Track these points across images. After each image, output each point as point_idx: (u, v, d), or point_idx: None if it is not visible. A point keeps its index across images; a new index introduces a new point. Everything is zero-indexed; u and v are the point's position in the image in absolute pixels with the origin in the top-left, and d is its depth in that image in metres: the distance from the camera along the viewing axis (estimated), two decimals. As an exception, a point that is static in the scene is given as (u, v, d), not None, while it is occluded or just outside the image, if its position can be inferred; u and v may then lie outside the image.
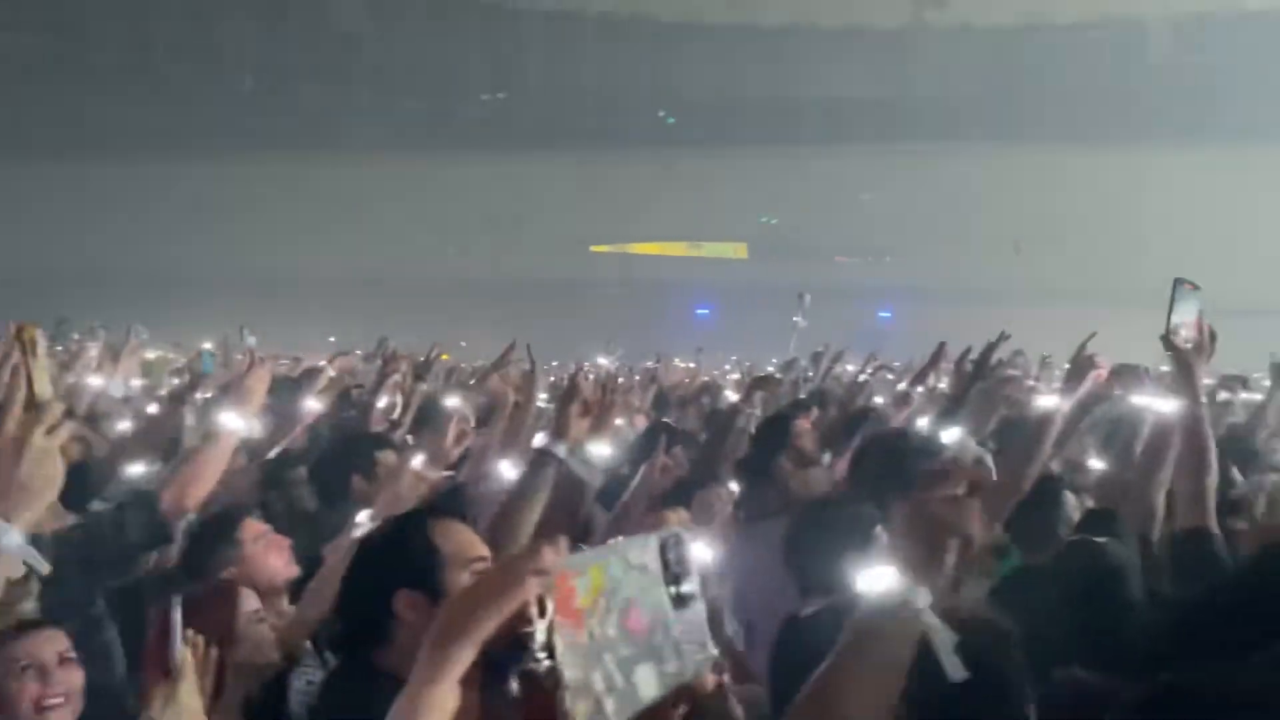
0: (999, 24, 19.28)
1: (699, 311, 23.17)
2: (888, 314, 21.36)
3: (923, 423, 3.95)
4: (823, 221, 21.96)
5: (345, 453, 3.40)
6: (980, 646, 1.83)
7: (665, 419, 6.01)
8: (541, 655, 0.69)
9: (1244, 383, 6.64)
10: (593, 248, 24.50)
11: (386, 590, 1.67)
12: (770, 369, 8.06)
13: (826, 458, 4.42)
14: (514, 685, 0.70)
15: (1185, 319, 2.77)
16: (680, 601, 0.76)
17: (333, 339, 12.76)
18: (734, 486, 4.18)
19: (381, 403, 4.43)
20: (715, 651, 0.76)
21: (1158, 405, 2.93)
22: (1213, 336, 2.85)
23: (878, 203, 21.44)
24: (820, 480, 3.94)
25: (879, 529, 2.60)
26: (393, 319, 12.52)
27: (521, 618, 0.69)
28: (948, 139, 20.58)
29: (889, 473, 2.83)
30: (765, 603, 3.13)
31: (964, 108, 19.71)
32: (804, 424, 4.80)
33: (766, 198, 22.12)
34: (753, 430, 4.79)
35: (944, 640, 1.34)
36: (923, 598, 1.30)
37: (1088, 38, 17.87)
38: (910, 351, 8.14)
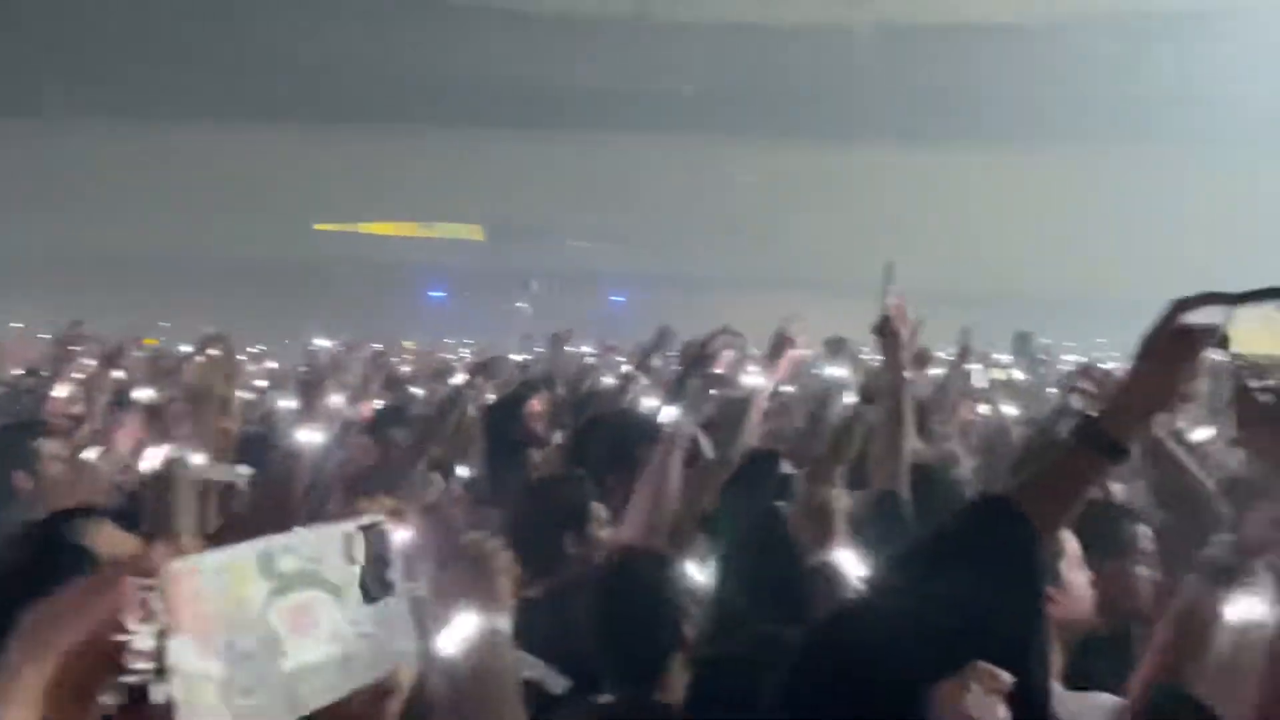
0: (718, 20, 20.13)
1: (433, 294, 22.72)
2: (621, 298, 21.87)
3: (650, 404, 4.07)
4: (558, 206, 22.13)
5: (2, 448, 3.05)
6: (641, 573, 2.04)
7: (395, 404, 5.88)
8: (144, 666, 0.62)
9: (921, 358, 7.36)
10: (316, 225, 23.37)
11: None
12: (512, 354, 8.07)
13: (557, 437, 4.47)
14: (109, 699, 0.63)
15: (891, 301, 3.06)
16: (374, 594, 0.71)
17: (18, 324, 11.43)
18: (463, 471, 4.13)
19: (62, 392, 4.01)
20: (415, 645, 0.72)
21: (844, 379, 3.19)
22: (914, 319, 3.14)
23: (611, 189, 21.87)
24: (551, 461, 3.97)
25: (598, 507, 2.67)
26: (92, 301, 11.37)
27: (118, 626, 0.62)
28: (676, 130, 21.29)
29: (609, 453, 2.90)
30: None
31: (689, 100, 20.44)
32: (535, 406, 4.85)
33: (502, 180, 21.99)
34: (480, 413, 4.79)
35: (534, 667, 1.49)
36: (502, 623, 1.45)
37: (798, 40, 19.04)
38: (642, 336, 8.37)
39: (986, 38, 18.36)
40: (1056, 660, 2.01)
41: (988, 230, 20.36)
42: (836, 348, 5.48)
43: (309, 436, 2.86)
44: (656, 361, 5.46)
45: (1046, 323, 11.41)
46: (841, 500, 2.22)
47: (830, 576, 2.13)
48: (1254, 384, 1.26)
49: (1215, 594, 1.61)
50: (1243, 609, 1.58)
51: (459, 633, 1.43)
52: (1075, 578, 2.04)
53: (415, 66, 20.73)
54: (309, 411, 2.96)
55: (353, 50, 20.64)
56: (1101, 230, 19.44)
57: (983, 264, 19.53)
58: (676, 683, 2.02)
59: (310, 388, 3.07)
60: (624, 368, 5.12)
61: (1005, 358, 7.14)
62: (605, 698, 2.03)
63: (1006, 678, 1.01)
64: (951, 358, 5.87)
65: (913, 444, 3.29)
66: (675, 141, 21.57)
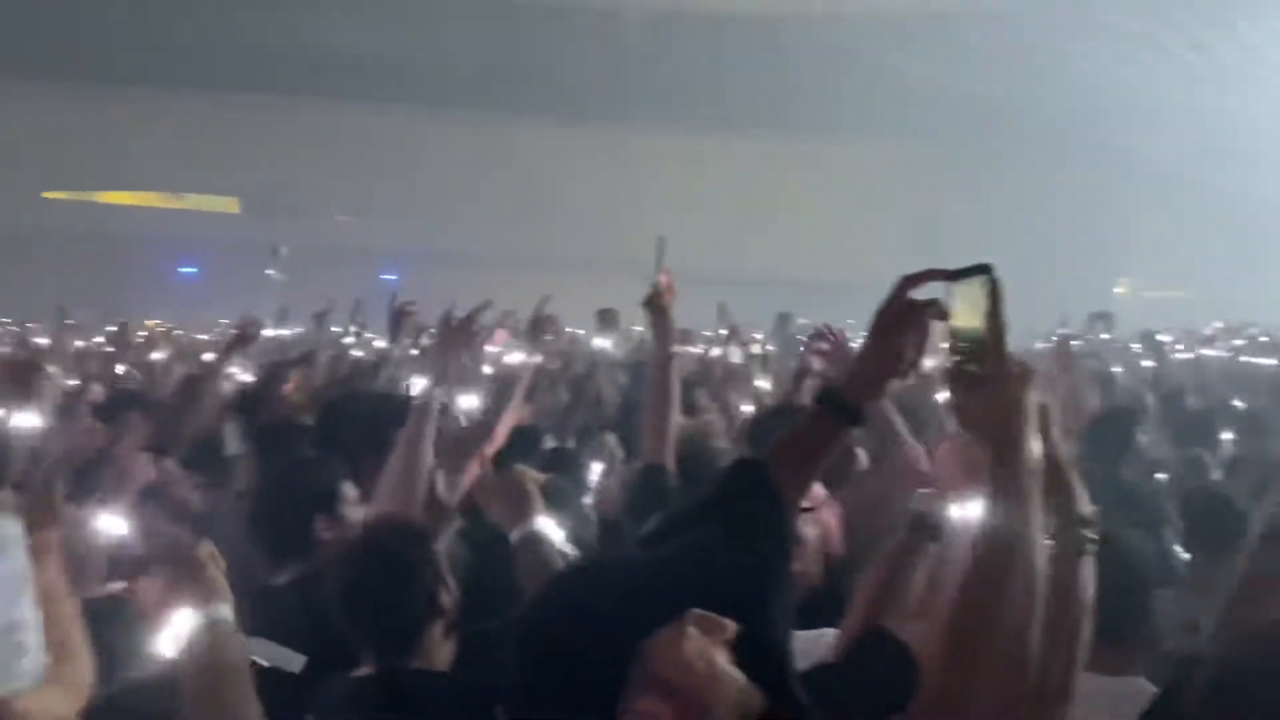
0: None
1: (183, 270, 21.20)
2: (393, 276, 21.29)
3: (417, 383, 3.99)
4: (322, 179, 21.17)
5: None
6: (393, 543, 2.04)
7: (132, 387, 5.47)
8: None
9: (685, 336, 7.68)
10: (45, 194, 21.23)
11: None
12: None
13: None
14: None
15: (660, 276, 3.12)
16: None
17: None
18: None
19: None
20: (35, 667, 0.63)
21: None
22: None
23: (381, 163, 21.15)
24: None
25: (349, 488, 2.57)
26: None
27: None
28: (449, 105, 20.86)
29: (361, 432, 2.81)
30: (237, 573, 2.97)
31: (463, 76, 20.05)
32: (289, 388, 4.63)
33: (259, 150, 20.78)
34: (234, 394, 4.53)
35: (258, 648, 1.48)
36: (224, 612, 1.43)
37: (571, 21, 19.05)
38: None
39: (752, 29, 19.09)
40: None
41: (750, 214, 21.29)
42: (607, 319, 5.58)
43: (22, 420, 2.60)
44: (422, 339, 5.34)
45: (803, 303, 12.01)
46: (532, 474, 2.32)
47: (535, 547, 2.18)
48: (962, 355, 1.36)
49: (916, 542, 1.75)
50: (941, 555, 1.73)
51: (177, 632, 1.39)
52: (809, 533, 2.19)
53: (163, 25, 19.13)
54: (21, 394, 2.69)
55: (92, 5, 18.79)
56: (855, 216, 20.75)
57: (745, 247, 20.40)
58: (436, 651, 2.03)
59: (20, 369, 2.79)
60: (376, 344, 4.98)
61: (762, 336, 7.49)
62: (362, 671, 2.00)
63: (729, 625, 1.02)
64: (715, 336, 6.10)
65: (678, 418, 3.39)
66: (448, 117, 21.13)
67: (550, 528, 2.22)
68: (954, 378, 1.34)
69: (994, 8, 17.47)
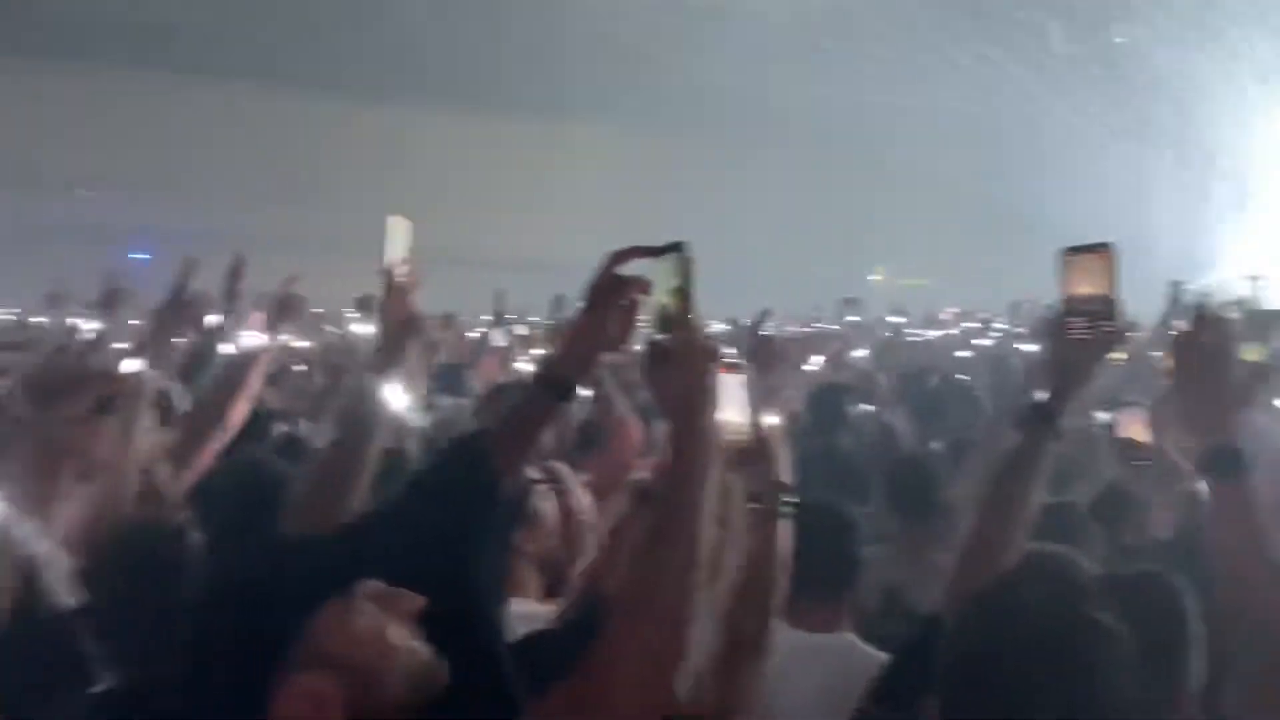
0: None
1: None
2: (145, 256, 19.78)
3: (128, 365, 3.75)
4: (57, 148, 19.28)
5: None
6: (141, 543, 1.93)
7: None
8: None
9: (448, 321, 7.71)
10: None
11: None
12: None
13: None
14: None
15: (397, 256, 3.07)
16: None
17: None
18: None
19: None
20: None
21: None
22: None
23: (127, 133, 19.51)
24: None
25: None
26: None
27: None
28: (206, 71, 19.49)
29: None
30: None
31: (216, 40, 18.75)
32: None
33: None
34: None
35: (49, 562, 1.33)
36: (24, 526, 1.27)
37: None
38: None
39: (524, 8, 18.96)
40: (533, 585, 2.18)
41: (525, 198, 21.21)
42: (366, 305, 5.46)
43: None
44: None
45: (581, 287, 12.09)
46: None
47: (361, 396, 2.08)
48: (657, 329, 1.41)
49: (640, 512, 1.82)
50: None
51: None
52: (546, 508, 2.23)
53: None
54: None
55: None
56: (627, 202, 21.08)
57: (525, 231, 20.31)
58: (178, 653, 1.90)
59: None
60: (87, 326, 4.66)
61: (537, 319, 7.52)
62: (102, 686, 1.82)
63: (408, 597, 1.02)
64: (494, 320, 6.10)
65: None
66: (202, 84, 19.72)
67: (394, 392, 2.10)
68: (647, 350, 1.40)
69: (759, 7, 18.20)
